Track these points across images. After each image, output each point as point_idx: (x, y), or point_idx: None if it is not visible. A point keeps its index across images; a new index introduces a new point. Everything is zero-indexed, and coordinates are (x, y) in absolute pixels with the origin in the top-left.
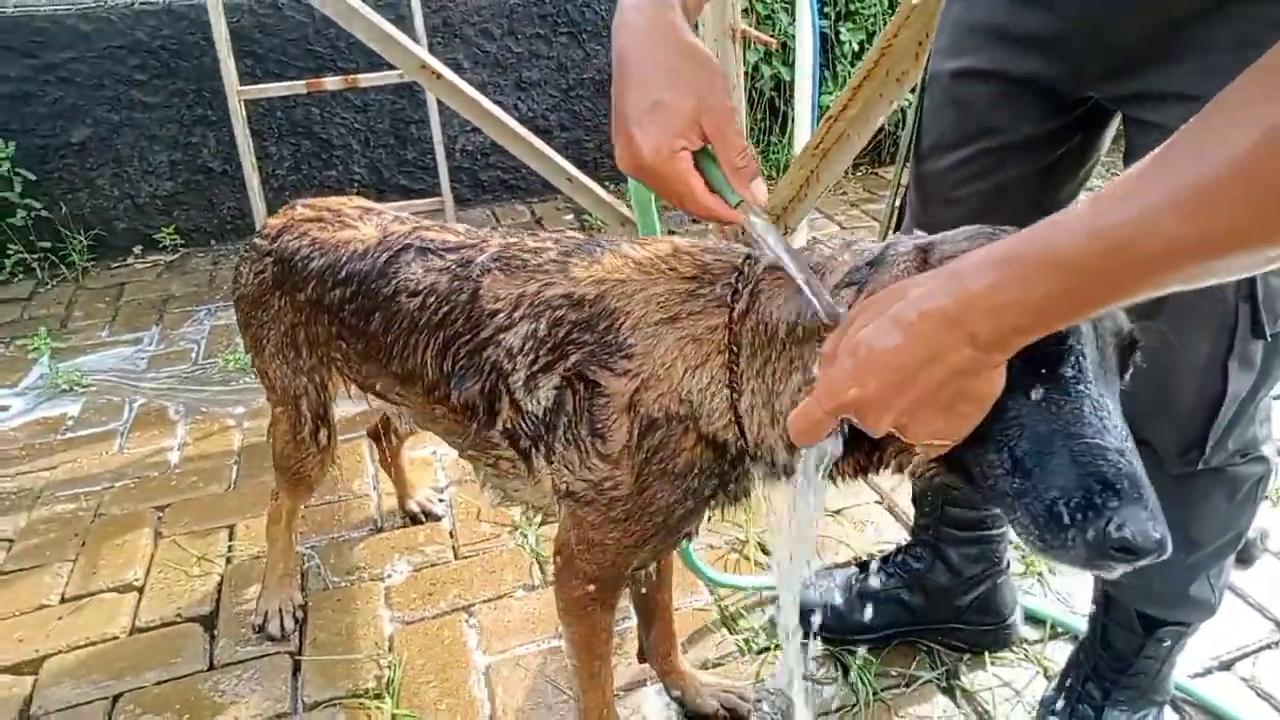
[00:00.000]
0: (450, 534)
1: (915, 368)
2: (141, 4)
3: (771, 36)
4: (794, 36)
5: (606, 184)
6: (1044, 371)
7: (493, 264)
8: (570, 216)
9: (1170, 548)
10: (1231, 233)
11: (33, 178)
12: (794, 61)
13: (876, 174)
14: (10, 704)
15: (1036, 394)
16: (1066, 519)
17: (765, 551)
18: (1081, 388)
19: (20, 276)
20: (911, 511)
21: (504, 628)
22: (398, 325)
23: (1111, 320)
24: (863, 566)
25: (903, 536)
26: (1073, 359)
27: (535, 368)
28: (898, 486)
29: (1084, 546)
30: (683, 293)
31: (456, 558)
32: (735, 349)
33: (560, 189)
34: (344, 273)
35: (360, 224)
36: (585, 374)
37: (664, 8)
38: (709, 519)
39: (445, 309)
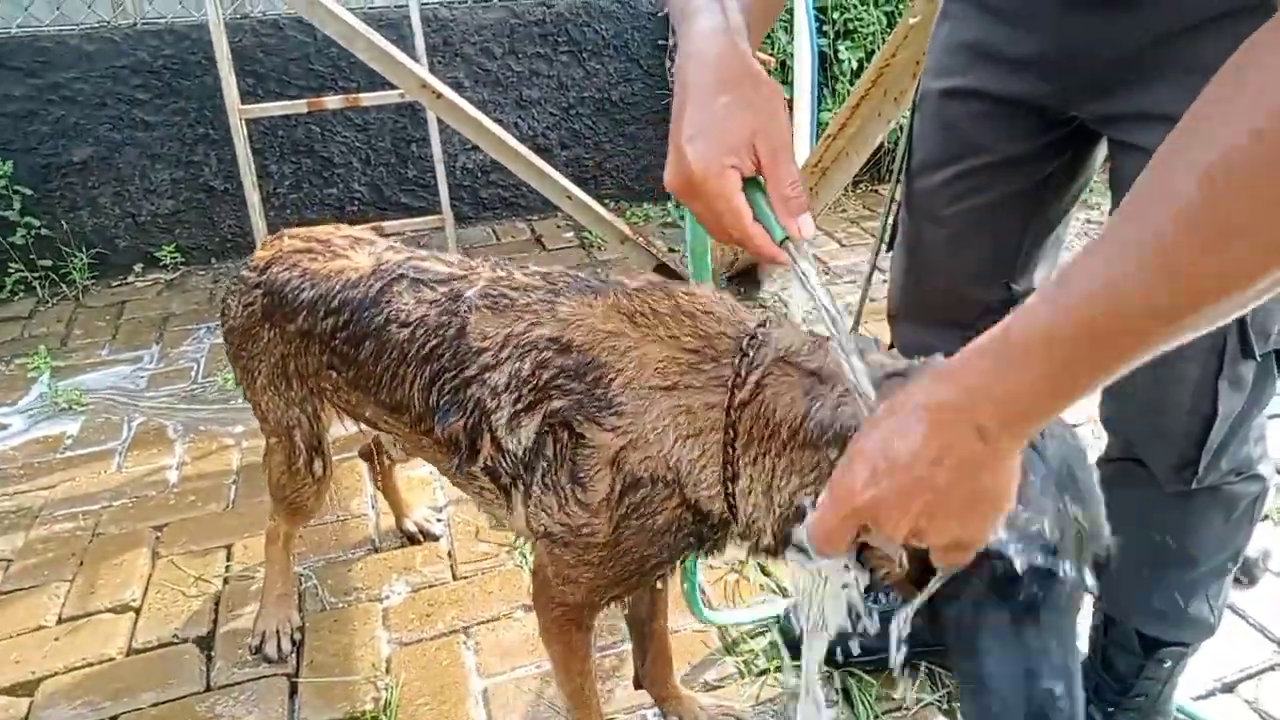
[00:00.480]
0: (449, 554)
1: (928, 464)
2: (144, 24)
3: (770, 55)
4: (792, 55)
5: (606, 202)
6: (1027, 596)
7: (480, 300)
8: (570, 234)
9: None
10: (1204, 284)
11: (33, 195)
12: (793, 79)
13: (876, 191)
14: None
15: (1014, 612)
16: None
17: (765, 573)
18: (1055, 621)
19: (20, 295)
20: None
21: (502, 649)
22: (387, 355)
23: (1095, 538)
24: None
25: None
26: (1056, 594)
27: (518, 407)
28: None
29: None
30: (684, 364)
31: (454, 578)
32: (733, 432)
33: (560, 207)
34: (336, 301)
35: (352, 252)
36: (570, 423)
37: (735, 35)
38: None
39: (433, 343)
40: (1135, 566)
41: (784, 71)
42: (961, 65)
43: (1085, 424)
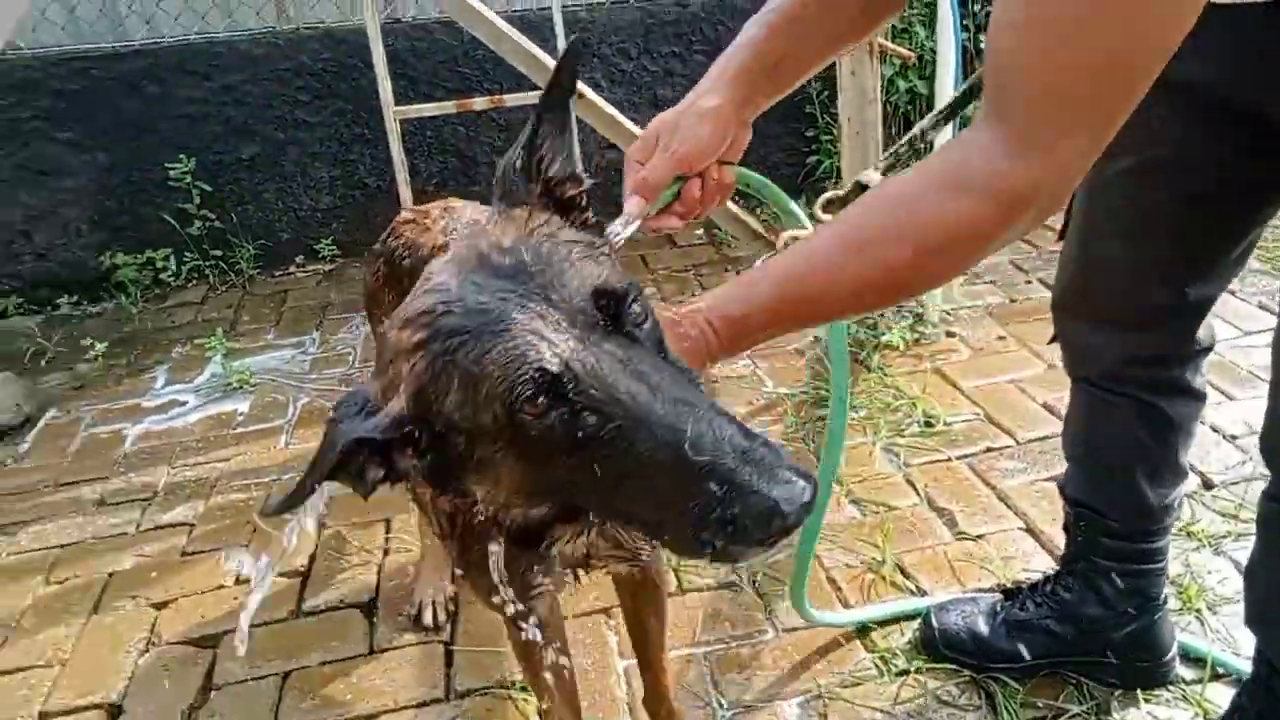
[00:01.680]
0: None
1: None
2: (305, 28)
3: (909, 50)
4: (931, 50)
5: (738, 199)
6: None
7: None
8: (700, 231)
9: (809, 492)
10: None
11: (209, 190)
12: (931, 74)
13: None
14: (195, 674)
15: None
16: (695, 541)
17: (905, 574)
18: (582, 414)
19: (194, 281)
20: (1059, 539)
21: None
22: None
23: (573, 286)
24: (1008, 594)
25: (1049, 565)
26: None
27: None
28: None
29: (733, 551)
30: None
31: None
32: None
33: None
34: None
35: (433, 225)
36: None
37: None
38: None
39: None
40: None
41: (921, 66)
42: None
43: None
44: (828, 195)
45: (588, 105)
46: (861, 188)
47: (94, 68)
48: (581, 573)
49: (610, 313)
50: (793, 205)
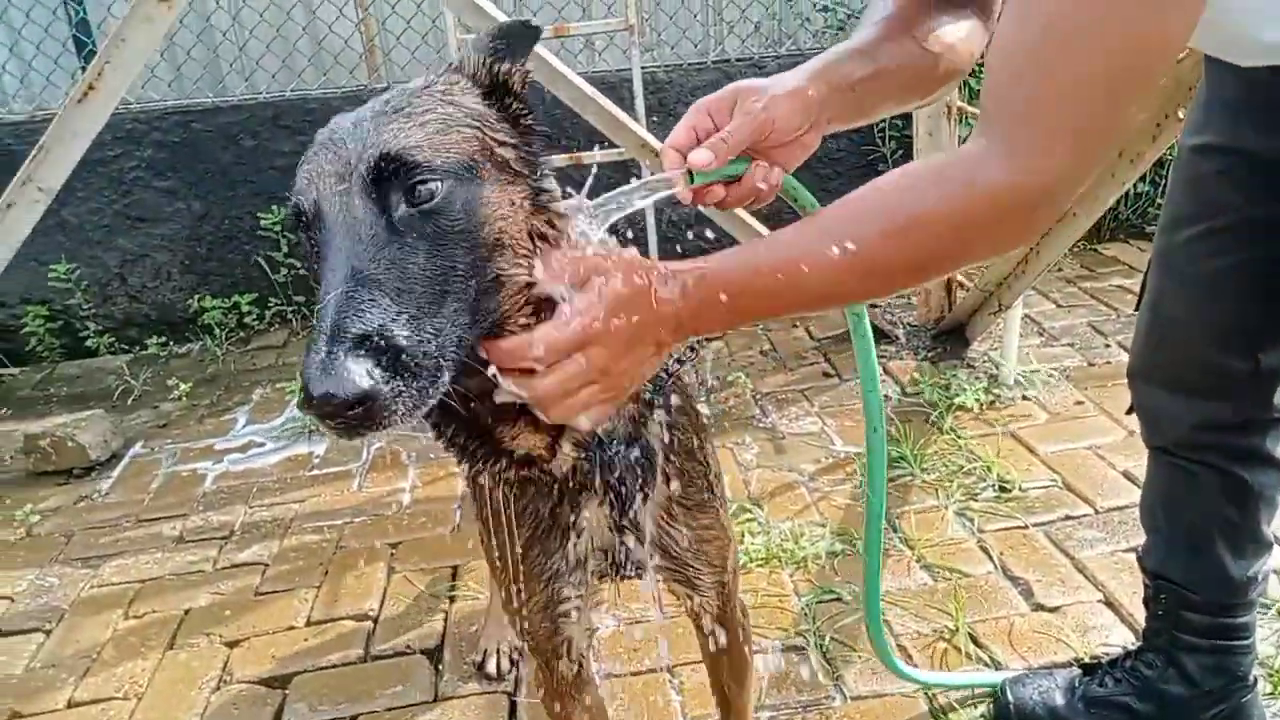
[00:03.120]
0: (655, 596)
1: (612, 359)
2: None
3: None
4: None
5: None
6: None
7: None
8: None
9: (350, 388)
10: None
11: (296, 240)
12: None
13: (1096, 250)
14: (265, 714)
15: None
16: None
17: (978, 644)
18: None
19: (276, 326)
20: (1140, 613)
21: (708, 693)
22: None
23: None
24: (1087, 669)
25: (1130, 639)
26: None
27: None
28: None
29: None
30: None
31: (662, 615)
32: None
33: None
34: None
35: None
36: None
37: (805, 70)
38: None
39: None
40: None
41: None
42: (1215, 122)
43: None
44: None
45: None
46: None
47: (194, 120)
48: (617, 585)
49: (387, 182)
50: None
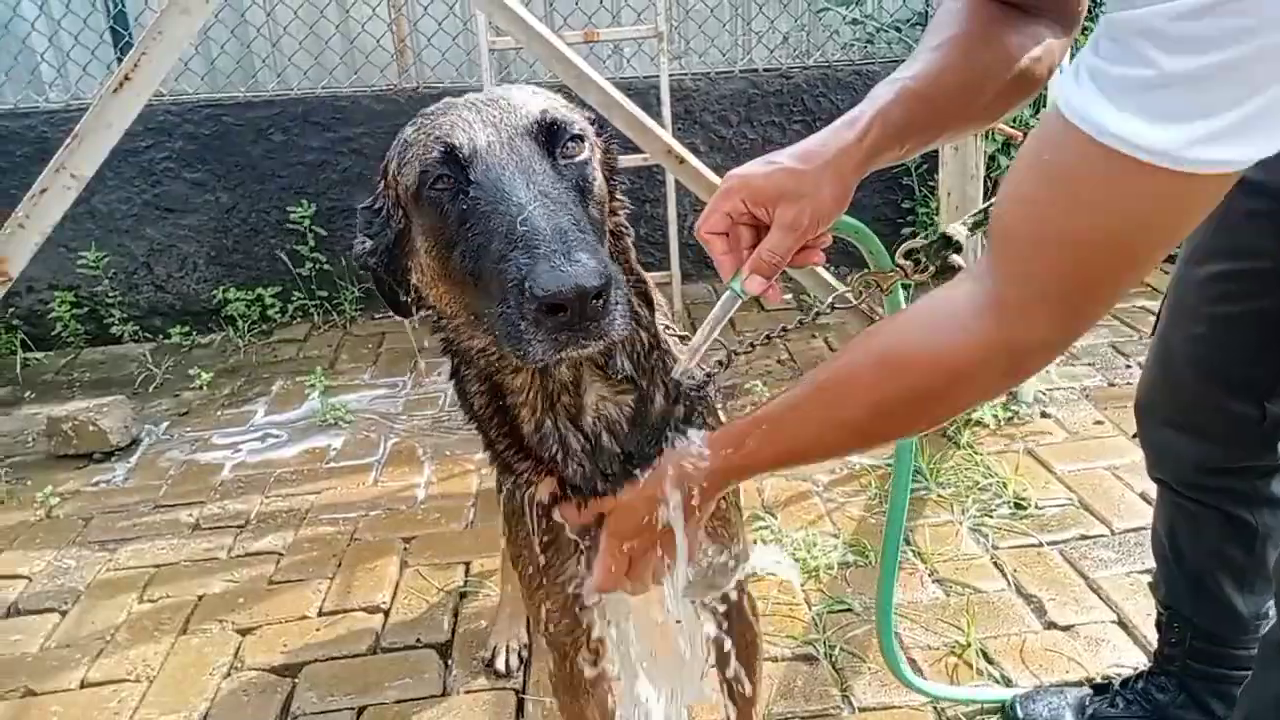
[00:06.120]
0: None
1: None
2: (425, 89)
3: (1016, 130)
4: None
5: (828, 266)
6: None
7: None
8: (789, 295)
9: (596, 277)
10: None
11: (323, 234)
12: None
13: None
14: (275, 702)
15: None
16: (513, 318)
17: (989, 660)
18: (471, 190)
19: (299, 320)
20: (1152, 634)
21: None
22: None
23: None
24: (1098, 689)
25: (1141, 660)
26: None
27: None
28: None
29: (532, 331)
30: None
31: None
32: None
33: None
34: None
35: None
36: None
37: (845, 129)
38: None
39: None
40: None
41: None
42: None
43: None
44: (908, 245)
45: (690, 171)
46: (946, 239)
47: (226, 114)
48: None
49: (546, 134)
50: (883, 253)
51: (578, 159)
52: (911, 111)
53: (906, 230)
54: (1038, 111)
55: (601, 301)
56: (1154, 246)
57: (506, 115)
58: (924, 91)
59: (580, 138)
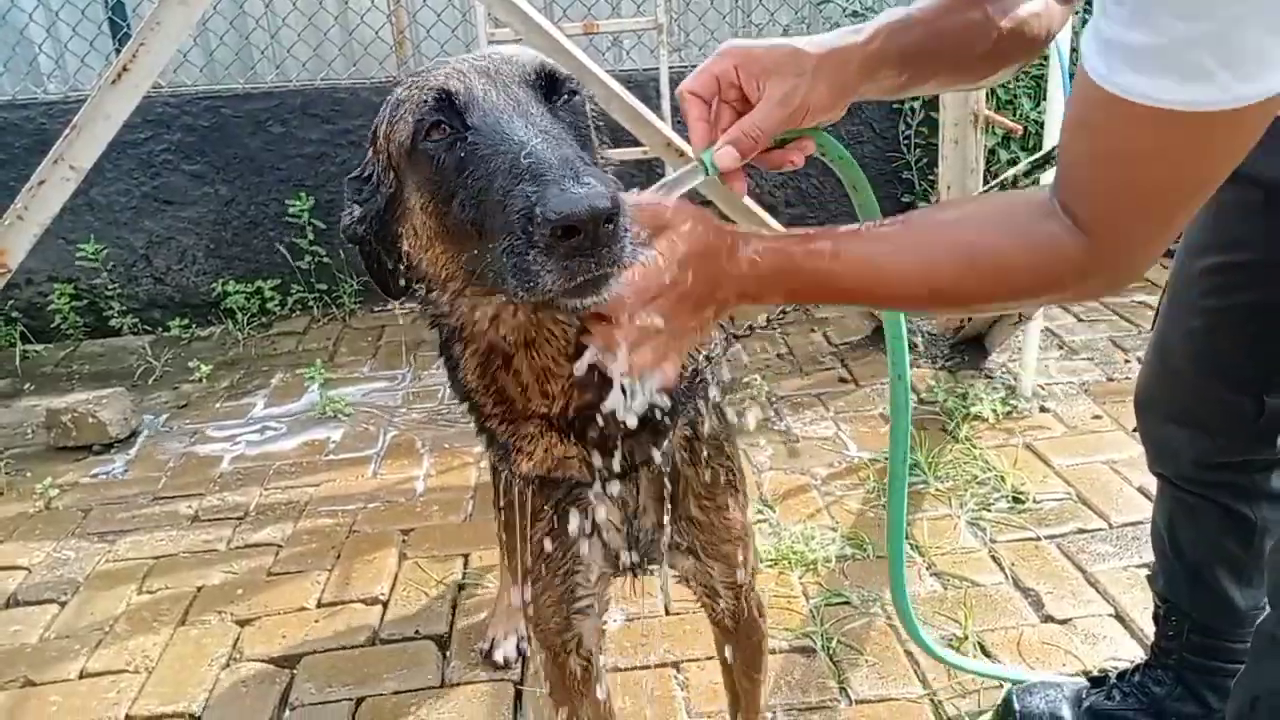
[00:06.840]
0: (661, 589)
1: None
2: None
3: (1016, 123)
4: (1035, 122)
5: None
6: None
7: None
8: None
9: (607, 199)
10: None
11: (323, 227)
12: (1035, 146)
13: None
14: (273, 693)
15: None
16: (521, 249)
17: (986, 653)
18: (469, 135)
19: (298, 312)
20: (1149, 628)
21: (712, 690)
22: None
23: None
24: (1095, 682)
25: (1137, 653)
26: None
27: None
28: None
29: (542, 260)
30: None
31: (667, 613)
32: None
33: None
34: None
35: None
36: None
37: (848, 34)
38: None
39: None
40: None
41: (1026, 138)
42: None
43: None
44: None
45: (689, 164)
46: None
47: (224, 106)
48: (637, 578)
49: (544, 85)
50: (870, 194)
51: (576, 107)
52: (915, 37)
53: None
54: (1038, 105)
55: (613, 226)
56: (1229, 162)
57: (503, 65)
58: (929, 21)
59: (576, 92)
